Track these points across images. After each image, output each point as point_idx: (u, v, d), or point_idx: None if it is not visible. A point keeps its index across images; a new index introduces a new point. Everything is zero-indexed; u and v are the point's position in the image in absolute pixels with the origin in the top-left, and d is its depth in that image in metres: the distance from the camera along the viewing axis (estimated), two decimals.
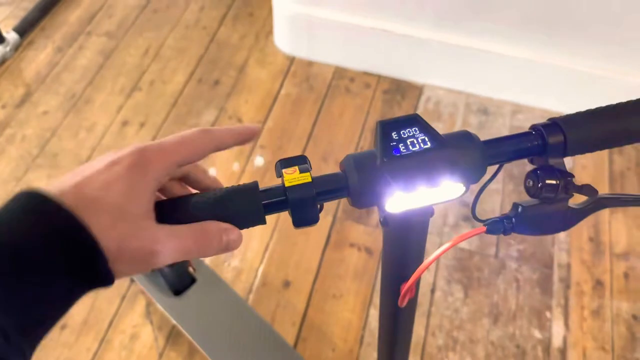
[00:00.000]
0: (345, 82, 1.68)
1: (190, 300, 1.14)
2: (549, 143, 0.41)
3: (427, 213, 0.44)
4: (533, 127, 0.43)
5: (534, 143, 0.42)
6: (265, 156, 1.50)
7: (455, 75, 1.64)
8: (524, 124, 1.60)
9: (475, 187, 0.47)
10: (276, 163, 0.40)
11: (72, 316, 1.23)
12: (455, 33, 1.53)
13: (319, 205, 0.39)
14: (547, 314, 1.27)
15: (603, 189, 1.47)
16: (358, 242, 1.36)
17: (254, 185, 0.39)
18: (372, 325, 1.23)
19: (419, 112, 1.62)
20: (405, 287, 0.44)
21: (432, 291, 1.29)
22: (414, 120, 0.39)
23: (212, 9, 1.87)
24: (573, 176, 0.41)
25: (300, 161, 0.39)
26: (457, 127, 1.59)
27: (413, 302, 0.50)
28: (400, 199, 0.39)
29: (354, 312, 1.26)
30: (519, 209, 0.42)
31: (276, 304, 1.26)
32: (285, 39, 1.73)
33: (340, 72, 1.70)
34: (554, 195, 0.40)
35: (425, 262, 0.44)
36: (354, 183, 0.39)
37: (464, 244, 1.36)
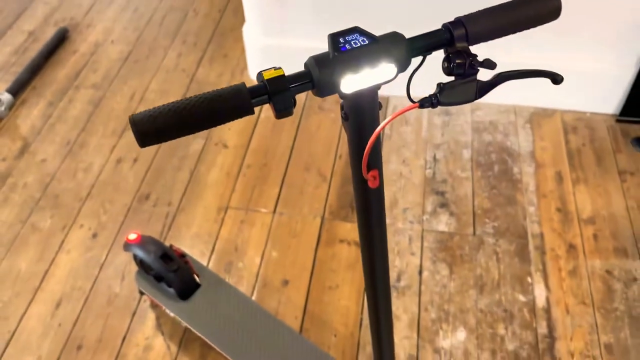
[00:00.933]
0: (317, 102, 1.83)
1: (197, 303, 1.22)
2: (455, 35, 0.54)
3: (373, 92, 0.56)
4: (443, 25, 0.56)
5: (444, 36, 0.55)
6: (251, 173, 1.62)
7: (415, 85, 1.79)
8: (484, 119, 1.75)
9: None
10: (257, 73, 0.53)
11: (86, 336, 1.30)
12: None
13: (292, 100, 0.52)
14: (528, 279, 1.37)
15: (563, 165, 1.61)
16: (347, 237, 1.47)
17: (242, 84, 0.51)
18: (367, 311, 1.32)
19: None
20: (365, 159, 0.55)
21: (420, 272, 1.39)
22: (355, 30, 0.53)
23: (188, 54, 2.03)
24: (476, 56, 0.54)
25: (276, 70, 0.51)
26: (424, 128, 1.73)
27: (380, 187, 0.61)
28: (350, 81, 0.52)
29: (351, 299, 1.35)
30: (441, 86, 0.54)
31: (277, 301, 1.35)
32: (259, 70, 1.88)
33: (311, 95, 1.85)
34: (463, 71, 0.53)
35: (375, 131, 0.56)
36: (316, 75, 0.51)
37: (443, 227, 1.47)
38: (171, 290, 1.23)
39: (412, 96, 0.62)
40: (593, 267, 1.39)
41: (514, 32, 0.57)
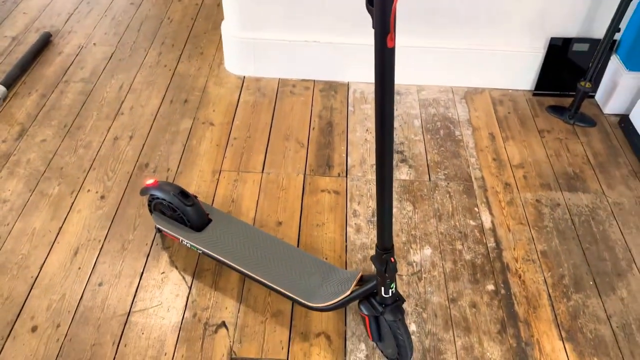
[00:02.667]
0: (289, 88, 2.12)
1: (210, 233, 1.43)
2: None
3: None
4: None
5: None
6: (238, 143, 1.87)
7: (369, 72, 2.13)
8: (428, 97, 2.11)
9: None
10: None
11: (105, 275, 1.46)
12: (366, 36, 2.04)
13: None
14: (476, 209, 1.69)
15: (495, 128, 1.98)
16: (327, 188, 1.73)
17: None
18: (351, 239, 1.58)
19: (350, 100, 2.08)
20: (392, 19, 0.79)
21: None
22: None
23: (168, 53, 2.27)
24: None
25: None
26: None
27: (394, 48, 0.81)
28: None
29: (336, 233, 1.60)
30: None
31: (274, 236, 1.57)
32: (235, 63, 2.16)
33: (283, 82, 2.14)
34: None
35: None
36: None
37: (404, 177, 1.78)
38: (187, 225, 1.44)
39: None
40: (525, 198, 1.73)
41: None
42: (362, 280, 1.27)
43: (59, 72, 2.14)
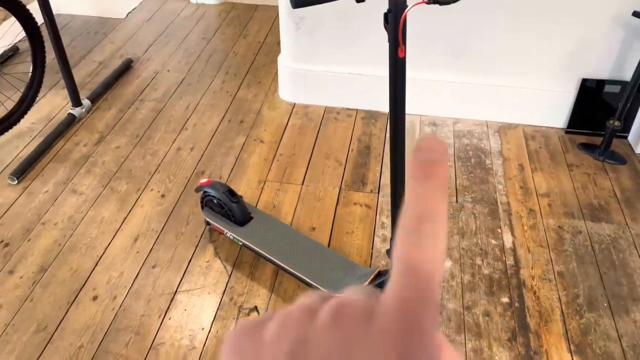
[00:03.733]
0: (333, 115, 2.33)
1: (251, 228, 1.62)
2: None
3: None
4: None
5: None
6: (283, 159, 2.08)
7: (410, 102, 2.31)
8: (462, 129, 2.26)
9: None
10: None
11: (159, 259, 1.67)
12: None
13: None
14: (498, 230, 1.80)
15: (525, 160, 2.09)
16: (359, 201, 1.90)
17: None
18: (377, 247, 1.73)
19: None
20: (400, 30, 0.98)
21: None
22: None
23: (230, 81, 2.56)
24: None
25: None
26: (417, 136, 2.23)
27: (404, 58, 1.00)
28: None
29: (364, 240, 1.75)
30: None
31: (308, 236, 1.74)
32: (287, 91, 2.41)
33: (329, 109, 2.36)
34: None
35: (404, 12, 0.97)
36: None
37: None
38: (232, 220, 1.64)
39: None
40: (548, 223, 1.82)
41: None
42: (379, 275, 1.41)
43: (136, 92, 2.47)
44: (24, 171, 1.98)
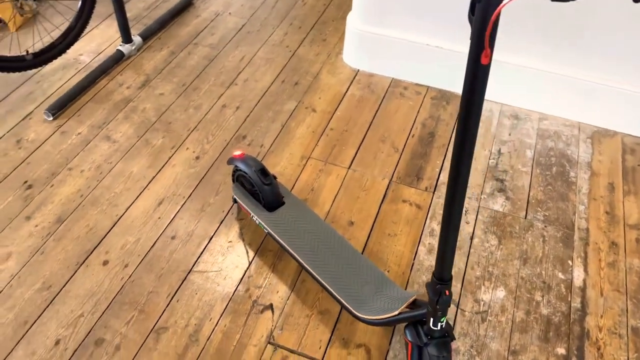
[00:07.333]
0: (399, 90, 2.05)
1: (280, 215, 1.44)
2: None
3: None
4: None
5: None
6: (333, 134, 1.85)
7: (490, 90, 1.99)
8: (549, 128, 1.92)
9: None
10: None
11: (179, 230, 1.53)
12: (495, 52, 1.90)
13: None
14: (569, 262, 1.51)
15: (617, 178, 1.75)
16: (410, 199, 1.66)
17: None
18: (420, 258, 1.50)
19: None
20: (487, 32, 0.72)
21: (471, 238, 1.56)
22: None
23: (293, 34, 2.31)
24: None
25: None
26: (493, 128, 1.92)
27: (489, 65, 0.72)
28: None
29: (406, 247, 1.53)
30: None
31: (342, 235, 1.54)
32: (352, 55, 2.14)
33: (395, 82, 2.08)
34: None
35: (497, 9, 0.67)
36: None
37: (498, 207, 1.64)
38: (261, 203, 1.46)
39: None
40: (632, 264, 1.51)
41: None
42: (414, 304, 1.19)
43: (191, 34, 2.28)
44: (61, 107, 1.88)
